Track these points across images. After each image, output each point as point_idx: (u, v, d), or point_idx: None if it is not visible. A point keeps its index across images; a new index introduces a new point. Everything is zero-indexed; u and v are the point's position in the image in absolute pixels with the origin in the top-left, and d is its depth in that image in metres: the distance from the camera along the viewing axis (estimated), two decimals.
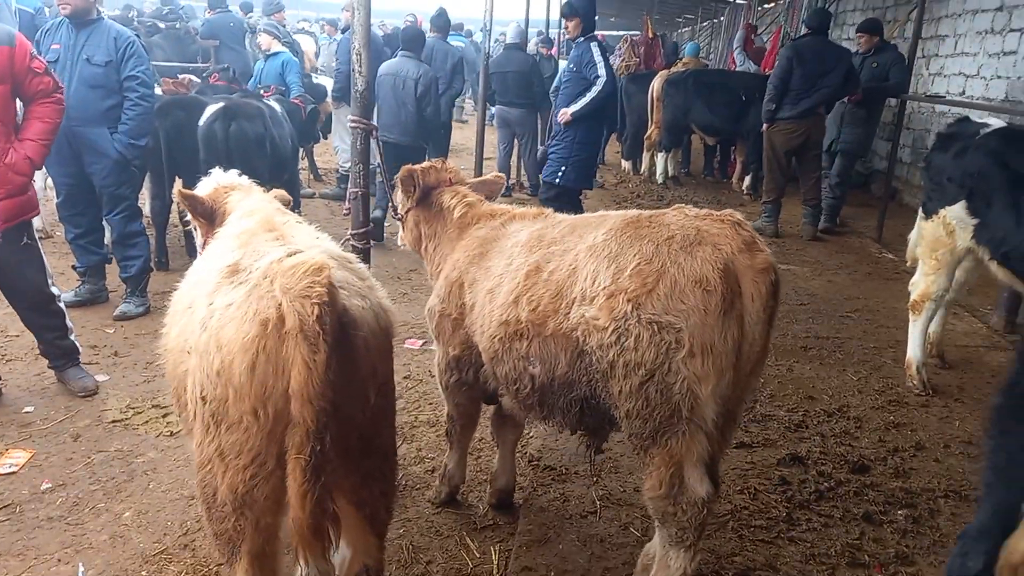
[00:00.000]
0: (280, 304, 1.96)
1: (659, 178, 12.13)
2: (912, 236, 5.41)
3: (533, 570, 3.17)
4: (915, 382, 4.99)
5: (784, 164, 9.13)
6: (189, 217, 3.29)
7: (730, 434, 2.69)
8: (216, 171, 3.30)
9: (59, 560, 3.27)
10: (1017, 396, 2.33)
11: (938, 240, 4.82)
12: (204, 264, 2.53)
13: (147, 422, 4.47)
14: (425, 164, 3.71)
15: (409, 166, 3.68)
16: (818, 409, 4.73)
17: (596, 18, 7.41)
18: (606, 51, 7.29)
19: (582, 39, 7.12)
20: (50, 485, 3.80)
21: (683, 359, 2.37)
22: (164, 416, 4.53)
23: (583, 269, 2.62)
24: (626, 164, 13.37)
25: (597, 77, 6.94)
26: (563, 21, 7.35)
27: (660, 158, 12.14)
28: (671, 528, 2.56)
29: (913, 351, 5.06)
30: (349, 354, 2.05)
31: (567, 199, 6.99)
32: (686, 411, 2.42)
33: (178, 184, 3.20)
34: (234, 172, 3.28)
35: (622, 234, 2.59)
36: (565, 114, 7.03)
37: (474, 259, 3.20)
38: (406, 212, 3.71)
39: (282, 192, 3.26)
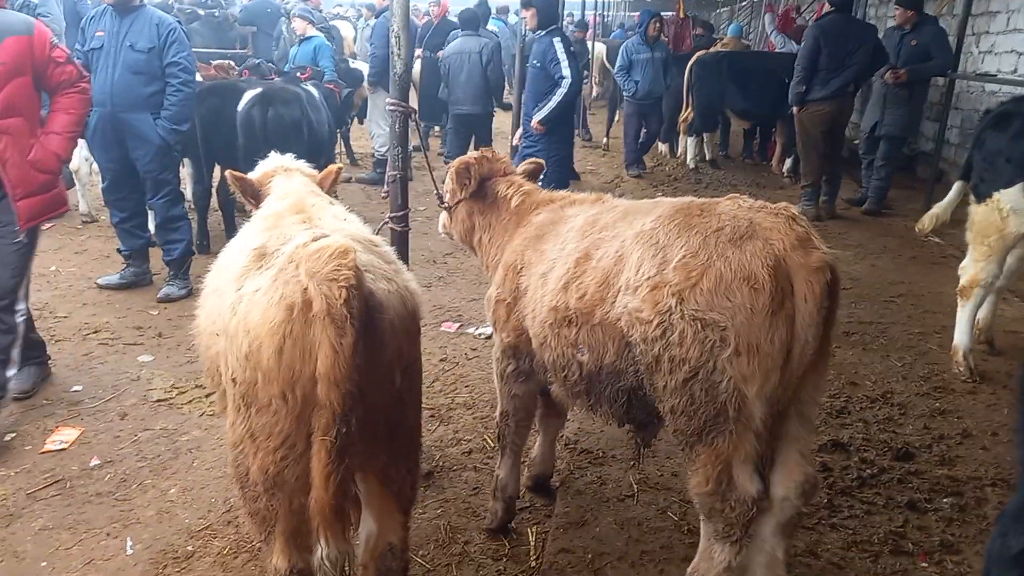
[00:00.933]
0: (306, 288, 1.96)
1: (690, 162, 11.95)
2: (936, 207, 5.29)
3: (570, 552, 3.17)
4: (962, 368, 4.86)
5: (820, 145, 8.96)
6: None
7: (803, 433, 2.54)
8: (273, 155, 3.32)
9: (108, 534, 3.37)
10: None
11: (990, 224, 4.64)
12: (234, 247, 2.54)
13: (191, 401, 4.56)
14: (478, 154, 3.63)
15: (464, 157, 3.62)
16: (861, 395, 4.65)
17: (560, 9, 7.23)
18: (571, 45, 6.99)
19: (544, 33, 6.82)
20: (98, 462, 3.91)
21: (728, 358, 2.28)
22: (207, 396, 4.61)
23: (629, 257, 2.55)
24: (663, 146, 13.18)
25: (562, 78, 6.66)
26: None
27: (691, 142, 11.95)
28: (718, 524, 2.47)
29: (960, 337, 4.92)
30: (375, 337, 2.05)
31: None
32: (732, 411, 2.32)
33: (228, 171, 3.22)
34: (289, 156, 3.30)
35: (671, 222, 2.50)
36: (536, 122, 6.83)
37: (530, 243, 3.13)
38: (456, 203, 3.62)
39: (331, 167, 3.27)
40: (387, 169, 4.29)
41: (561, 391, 3.00)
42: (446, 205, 3.72)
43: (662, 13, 12.43)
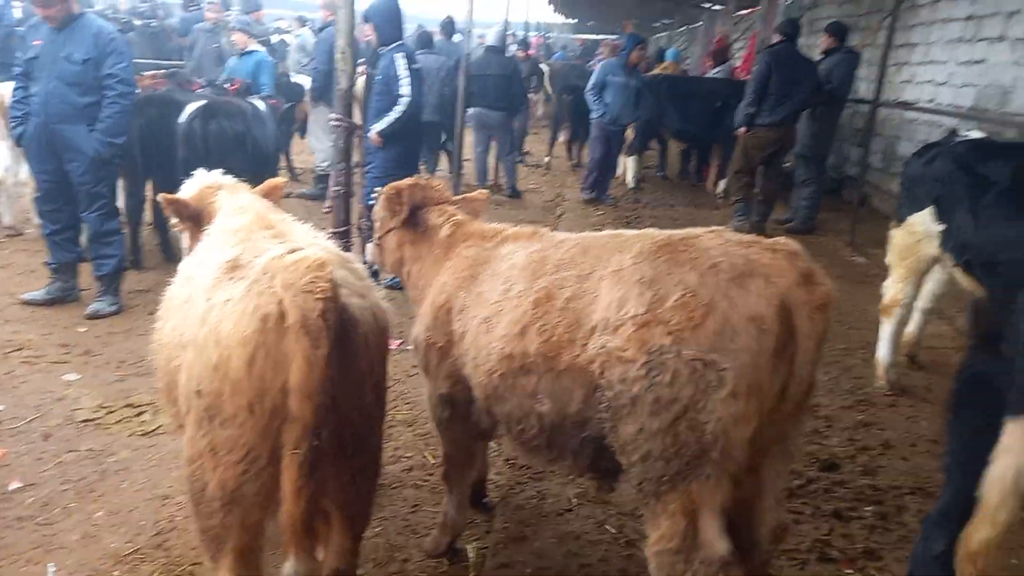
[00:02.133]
0: (281, 300, 1.96)
1: (631, 181, 12.22)
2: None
3: (510, 567, 3.19)
4: (883, 382, 5.08)
5: (754, 169, 9.45)
6: (175, 221, 3.27)
7: (780, 475, 2.43)
8: (200, 172, 3.28)
9: (28, 560, 3.23)
10: (969, 380, 2.41)
11: (906, 247, 4.88)
12: (199, 260, 2.53)
13: (119, 421, 4.42)
14: (410, 181, 3.44)
15: (395, 183, 3.43)
16: None
17: (405, 26, 7.08)
18: (413, 62, 6.86)
19: (386, 49, 6.75)
20: (20, 484, 3.75)
21: (723, 399, 2.14)
22: (137, 415, 4.49)
23: (607, 295, 2.38)
24: None
25: (399, 96, 6.54)
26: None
27: (631, 161, 12.23)
28: None
29: (882, 352, 5.15)
30: (349, 351, 2.06)
31: None
32: (716, 453, 2.17)
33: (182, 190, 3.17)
34: (217, 172, 3.27)
35: (656, 258, 2.34)
36: (373, 134, 6.65)
37: (463, 282, 2.93)
38: (386, 232, 3.45)
39: (276, 180, 3.26)
40: (330, 184, 4.26)
41: (516, 445, 2.82)
42: (375, 237, 3.55)
43: (606, 37, 12.74)
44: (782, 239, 2.36)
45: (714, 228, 2.45)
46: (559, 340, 2.46)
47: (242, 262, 2.24)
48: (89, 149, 5.72)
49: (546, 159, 14.28)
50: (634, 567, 3.14)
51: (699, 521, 2.20)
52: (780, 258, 2.25)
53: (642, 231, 2.63)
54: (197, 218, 3.11)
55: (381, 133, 6.62)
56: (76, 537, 3.39)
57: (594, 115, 10.75)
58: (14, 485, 3.73)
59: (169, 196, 3.08)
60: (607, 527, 3.52)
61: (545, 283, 2.60)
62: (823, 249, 9.05)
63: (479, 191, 3.68)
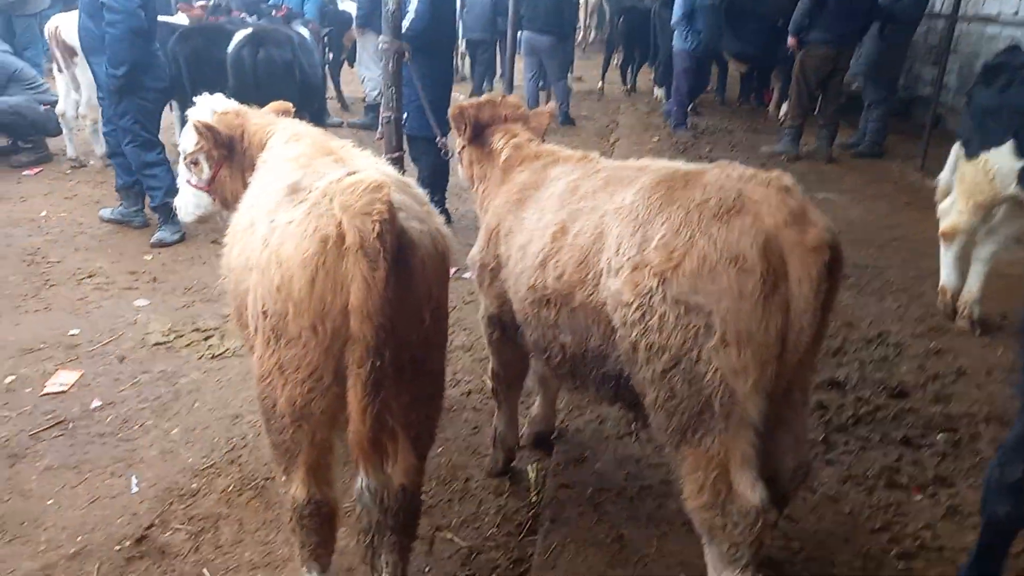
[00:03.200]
0: (340, 221, 1.95)
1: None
2: (944, 174, 5.05)
3: (570, 487, 3.22)
4: (948, 309, 4.87)
5: (813, 89, 9.06)
6: (191, 150, 3.26)
7: (797, 416, 2.29)
8: (204, 97, 3.28)
9: (112, 473, 3.40)
10: None
11: (978, 185, 4.47)
12: (262, 186, 2.56)
13: (189, 345, 4.56)
14: (480, 99, 3.42)
15: (464, 102, 3.41)
16: (857, 336, 4.68)
17: None
18: None
19: None
20: (99, 403, 3.91)
21: (714, 347, 2.05)
22: (205, 339, 4.62)
23: (609, 234, 2.33)
24: (659, 91, 13.00)
25: (405, 13, 6.01)
26: None
27: None
28: (721, 545, 2.18)
29: (946, 277, 4.91)
30: (406, 274, 2.04)
31: (423, 149, 6.11)
32: (720, 407, 2.07)
33: (196, 116, 3.17)
34: (220, 95, 3.28)
35: (652, 195, 2.27)
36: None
37: (512, 207, 2.93)
38: (461, 149, 3.45)
39: (285, 103, 3.26)
40: (381, 110, 4.20)
41: (546, 370, 2.91)
42: (447, 151, 3.57)
43: None
44: (777, 172, 2.21)
45: (722, 162, 2.32)
46: (570, 279, 2.44)
47: (303, 186, 2.24)
48: (101, 81, 5.77)
49: (600, 84, 13.89)
50: None
51: (728, 474, 2.12)
52: (771, 193, 2.10)
53: (660, 163, 2.54)
54: (229, 146, 3.13)
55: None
56: (155, 453, 3.54)
57: (684, 46, 9.93)
58: (95, 404, 3.90)
59: (204, 122, 3.08)
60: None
61: (564, 215, 2.57)
62: (891, 174, 8.69)
63: (547, 106, 3.62)
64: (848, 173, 8.69)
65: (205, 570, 2.86)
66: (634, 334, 2.18)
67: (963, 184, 4.67)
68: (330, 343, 2.01)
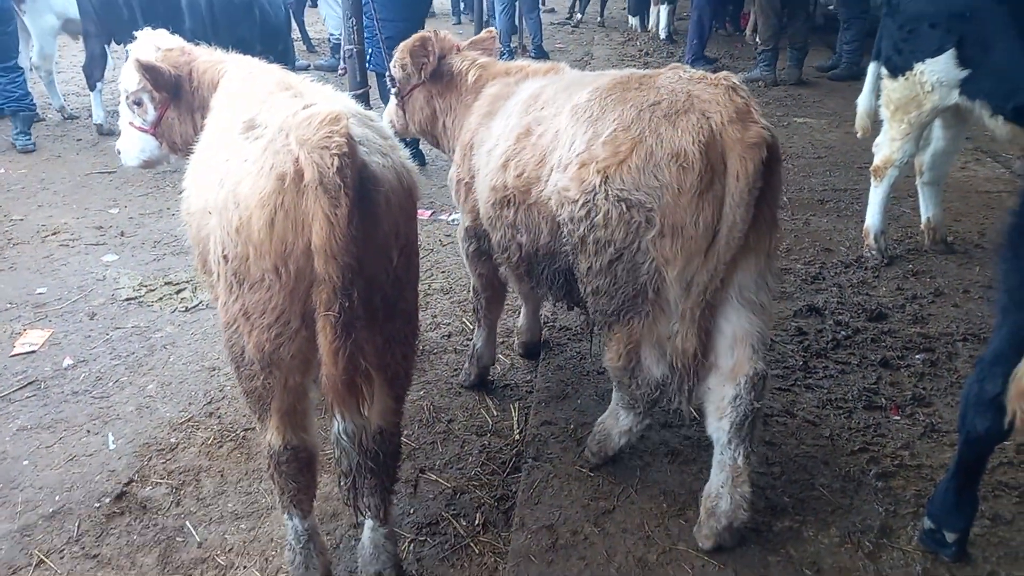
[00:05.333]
0: (297, 157, 1.86)
1: (662, 32, 11.56)
2: (861, 101, 4.79)
3: (553, 424, 3.21)
4: (874, 252, 4.61)
5: (779, 10, 8.86)
6: (132, 89, 3.10)
7: (754, 326, 2.34)
8: (146, 32, 3.10)
9: (88, 431, 3.35)
10: None
11: (911, 100, 4.21)
12: (217, 125, 2.45)
13: (161, 299, 4.47)
14: (427, 32, 3.39)
15: (415, 36, 3.35)
16: (835, 261, 4.67)
17: None
18: None
19: None
20: (72, 362, 3.84)
21: (652, 239, 2.21)
22: (177, 292, 4.53)
23: (564, 133, 2.43)
24: (633, 20, 12.71)
25: None
26: None
27: (664, 11, 11.51)
28: (624, 395, 2.61)
29: (872, 219, 4.65)
30: (371, 211, 1.96)
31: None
32: (652, 293, 2.29)
33: (137, 53, 2.98)
34: (164, 31, 3.09)
35: (607, 96, 2.35)
36: None
37: (482, 119, 3.04)
38: (412, 88, 3.42)
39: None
40: (342, 43, 4.02)
41: (507, 272, 3.02)
42: (399, 94, 3.48)
43: None
44: (725, 73, 2.30)
45: (675, 65, 2.43)
46: (529, 176, 2.56)
47: (259, 122, 2.13)
48: None
49: (577, 16, 13.53)
50: (675, 419, 3.14)
51: (640, 349, 2.41)
52: (719, 93, 2.19)
53: (619, 71, 2.60)
54: (174, 87, 2.97)
55: None
56: (131, 408, 3.49)
57: None
58: (67, 362, 3.82)
59: (146, 60, 2.92)
60: None
61: (529, 119, 2.67)
62: None
63: (485, 31, 3.64)
64: (826, 97, 8.57)
65: (188, 522, 2.84)
66: (581, 229, 2.33)
67: (891, 106, 4.37)
68: (295, 285, 1.94)
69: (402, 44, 3.40)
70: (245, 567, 2.65)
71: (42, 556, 2.70)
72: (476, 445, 3.25)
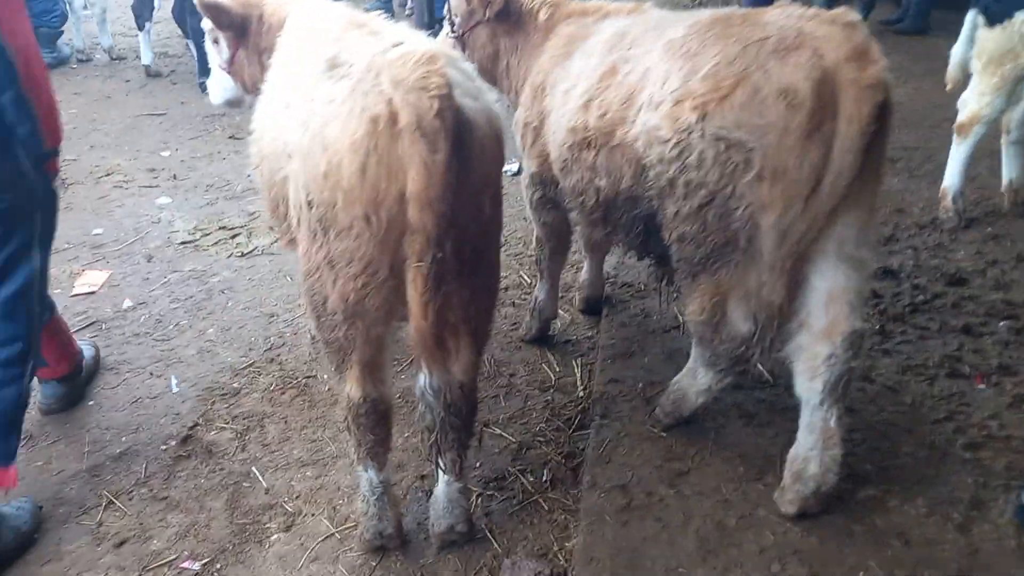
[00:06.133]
0: (391, 99, 1.75)
1: None
2: (956, 51, 4.53)
3: (620, 382, 3.13)
4: (950, 213, 4.35)
5: None
6: (208, 28, 3.02)
7: (851, 281, 2.22)
8: None
9: (151, 373, 3.35)
10: None
11: (1007, 52, 3.98)
12: (289, 65, 2.35)
13: (216, 243, 4.44)
14: None
15: None
16: (909, 222, 4.47)
17: None
18: None
19: None
20: (131, 304, 3.84)
21: (750, 183, 2.06)
22: (232, 238, 4.50)
23: (655, 70, 2.29)
24: None
25: None
26: None
27: None
28: (706, 351, 2.47)
29: (951, 179, 4.40)
30: (466, 156, 1.85)
31: None
32: (743, 241, 2.14)
33: None
34: None
35: (707, 31, 2.21)
36: None
37: (558, 59, 2.89)
38: (473, 26, 3.25)
39: None
40: None
41: (579, 218, 2.88)
42: (456, 32, 3.30)
43: None
44: (843, 8, 2.16)
45: (782, 3, 2.24)
46: (613, 116, 2.42)
47: (342, 60, 2.02)
48: None
49: None
50: (747, 382, 3.04)
51: (727, 303, 2.27)
52: (835, 30, 2.03)
53: (721, 9, 2.42)
54: (241, 26, 2.87)
55: None
56: (192, 352, 3.48)
57: None
58: (126, 304, 3.82)
59: (208, 0, 2.82)
60: None
61: (614, 57, 2.53)
62: (937, 51, 8.14)
63: None
64: (892, 51, 8.09)
65: (254, 468, 2.83)
66: (671, 171, 2.18)
67: (985, 57, 4.12)
68: (385, 234, 1.86)
69: None
70: (313, 515, 2.64)
71: (111, 497, 2.71)
72: (539, 401, 3.19)
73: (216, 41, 3.02)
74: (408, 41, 2.00)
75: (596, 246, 3.46)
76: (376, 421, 2.18)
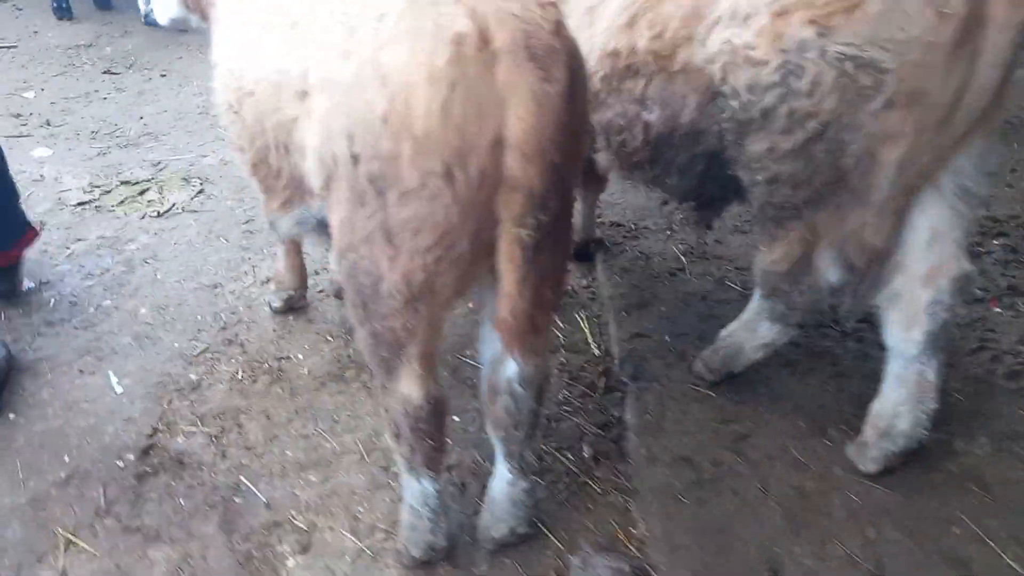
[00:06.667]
0: (475, 9, 1.29)
1: None
2: None
3: (646, 336, 2.84)
4: None
5: None
6: None
7: (962, 218, 1.97)
8: None
9: (80, 371, 2.73)
10: None
11: None
12: None
13: (122, 202, 3.73)
14: None
15: None
16: None
17: None
18: None
19: None
20: (32, 284, 3.13)
21: (875, 111, 1.73)
22: (141, 194, 3.80)
23: None
24: None
25: None
26: None
27: None
28: (776, 304, 2.20)
29: None
30: (577, 91, 1.43)
31: None
32: (856, 178, 1.83)
33: None
34: None
35: None
36: None
37: None
38: None
39: None
40: None
41: (613, 160, 2.47)
42: None
43: None
44: None
45: None
46: (674, 36, 2.03)
47: None
48: None
49: None
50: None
51: (814, 250, 2.01)
52: None
53: None
54: None
55: None
56: (127, 339, 2.88)
57: None
58: (27, 285, 3.11)
59: None
60: (728, 283, 3.17)
61: None
62: None
63: None
64: None
65: (243, 478, 2.35)
66: (768, 99, 1.83)
67: None
68: (474, 194, 1.42)
69: None
70: (331, 528, 2.21)
71: (68, 535, 2.17)
72: (553, 362, 2.85)
73: None
74: None
75: (591, 187, 3.10)
76: (437, 424, 1.77)
